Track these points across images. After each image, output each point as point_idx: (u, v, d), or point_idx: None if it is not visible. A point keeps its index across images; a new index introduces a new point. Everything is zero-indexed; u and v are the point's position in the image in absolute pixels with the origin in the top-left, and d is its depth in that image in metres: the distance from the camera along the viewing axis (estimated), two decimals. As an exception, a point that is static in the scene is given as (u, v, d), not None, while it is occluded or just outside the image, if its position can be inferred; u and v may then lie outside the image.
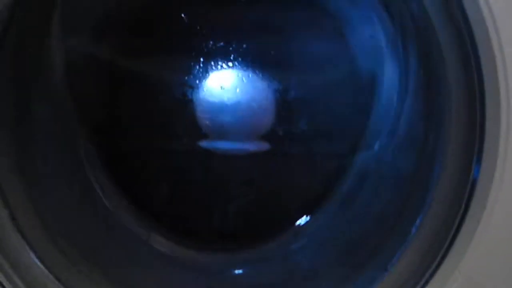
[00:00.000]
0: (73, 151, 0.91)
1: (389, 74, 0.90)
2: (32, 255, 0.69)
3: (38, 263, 0.69)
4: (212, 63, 0.93)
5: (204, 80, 0.94)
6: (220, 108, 0.94)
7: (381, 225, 0.81)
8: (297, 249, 0.92)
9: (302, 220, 0.96)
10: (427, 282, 0.66)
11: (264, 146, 0.95)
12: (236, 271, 0.92)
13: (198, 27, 0.93)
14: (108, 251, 0.85)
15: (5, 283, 0.67)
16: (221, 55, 0.93)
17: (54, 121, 0.87)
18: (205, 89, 0.94)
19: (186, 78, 0.94)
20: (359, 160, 0.94)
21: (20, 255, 0.69)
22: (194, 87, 0.94)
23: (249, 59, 0.93)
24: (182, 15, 0.92)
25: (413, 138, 0.82)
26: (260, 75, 0.94)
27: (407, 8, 0.74)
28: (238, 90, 0.94)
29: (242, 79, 0.94)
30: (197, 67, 0.93)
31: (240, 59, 0.93)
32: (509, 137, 0.59)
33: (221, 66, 0.93)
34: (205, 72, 0.93)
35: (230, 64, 0.93)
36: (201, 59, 0.93)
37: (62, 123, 0.89)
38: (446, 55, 0.64)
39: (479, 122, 0.62)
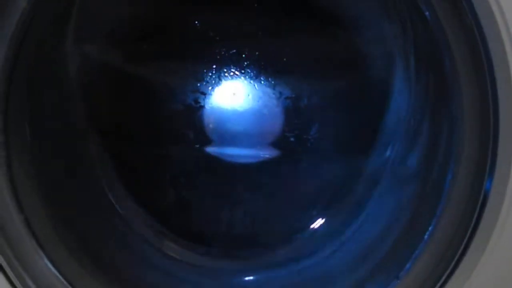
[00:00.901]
0: (85, 157, 0.91)
1: (401, 82, 0.90)
2: (46, 260, 0.70)
3: (51, 267, 0.70)
4: (225, 70, 0.93)
5: (216, 87, 0.94)
6: (232, 114, 0.94)
7: (393, 232, 0.81)
8: (309, 255, 0.92)
9: (315, 225, 0.96)
10: (438, 291, 0.66)
11: (275, 152, 0.96)
12: (247, 277, 0.93)
13: (211, 34, 0.93)
14: (120, 255, 0.86)
15: (19, 287, 0.68)
16: (234, 62, 0.93)
17: (67, 128, 0.88)
18: (217, 96, 0.94)
19: (198, 84, 0.94)
20: (370, 166, 0.94)
21: (33, 259, 0.70)
22: (206, 94, 0.94)
23: (261, 66, 0.93)
24: (196, 22, 0.93)
25: (425, 146, 0.82)
26: (272, 82, 0.94)
27: (419, 18, 0.74)
28: (250, 96, 0.94)
29: (254, 86, 0.94)
30: (210, 74, 0.94)
31: (252, 66, 0.93)
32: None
33: (233, 73, 0.94)
34: (217, 78, 0.94)
35: (242, 71, 0.94)
36: (214, 66, 0.94)
37: (75, 129, 0.90)
38: (459, 66, 0.64)
39: (493, 133, 0.62)
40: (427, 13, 0.70)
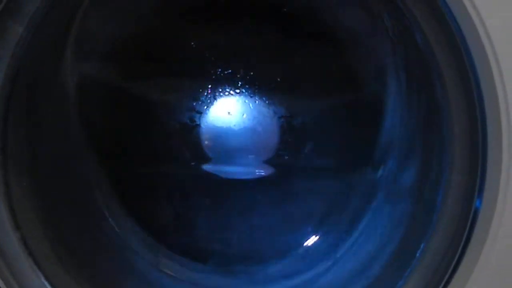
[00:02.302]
0: (82, 175, 0.92)
1: (393, 101, 0.91)
2: (43, 279, 0.71)
3: (48, 286, 0.71)
4: (220, 89, 0.95)
5: (211, 106, 0.95)
6: (227, 133, 0.95)
7: (386, 249, 0.81)
8: (303, 272, 0.93)
9: (309, 243, 0.97)
10: (431, 308, 0.67)
11: (270, 170, 0.97)
12: (243, 294, 0.93)
13: (207, 54, 0.94)
14: (117, 273, 0.86)
15: (15, 304, 0.68)
16: (229, 82, 0.94)
17: (65, 146, 0.89)
18: (212, 115, 0.95)
19: (194, 103, 0.95)
20: (364, 184, 0.95)
21: (30, 278, 0.70)
22: (201, 112, 0.95)
23: (256, 86, 0.95)
24: (192, 42, 0.94)
25: (417, 163, 0.83)
26: (267, 101, 0.95)
27: (411, 38, 0.76)
28: (244, 116, 0.96)
29: (249, 105, 0.95)
30: (205, 93, 0.95)
31: (247, 85, 0.95)
32: (511, 167, 0.60)
33: (229, 92, 0.95)
34: (213, 98, 0.95)
35: (237, 90, 0.95)
36: (209, 86, 0.95)
37: (71, 147, 0.91)
38: (449, 88, 0.65)
39: (482, 152, 0.63)
40: (417, 34, 0.71)
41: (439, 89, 0.68)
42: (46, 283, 0.70)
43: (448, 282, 0.66)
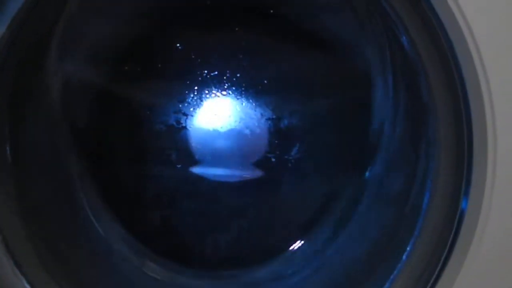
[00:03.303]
0: (67, 177, 0.91)
1: (380, 103, 0.92)
2: (25, 282, 0.70)
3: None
4: (206, 91, 0.94)
5: (198, 108, 0.95)
6: (214, 135, 0.95)
7: (373, 252, 0.81)
8: (290, 275, 0.92)
9: (296, 246, 0.96)
10: (417, 310, 0.66)
11: (257, 173, 0.96)
12: (230, 298, 0.93)
13: (193, 56, 0.94)
14: (102, 277, 0.85)
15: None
16: (215, 84, 0.94)
17: (49, 148, 0.88)
18: (199, 117, 0.95)
19: (180, 105, 0.95)
20: (350, 186, 0.95)
21: (12, 282, 0.69)
22: (188, 115, 0.95)
23: (242, 88, 0.95)
24: (178, 44, 0.94)
25: (404, 166, 0.83)
26: (254, 103, 0.95)
27: (397, 41, 0.76)
28: (231, 118, 0.95)
29: (236, 107, 0.95)
30: (192, 95, 0.95)
31: (234, 87, 0.94)
32: (496, 169, 0.61)
33: (215, 94, 0.95)
34: (199, 100, 0.95)
35: (224, 92, 0.95)
36: (196, 87, 0.94)
37: (56, 150, 0.90)
38: (435, 91, 0.65)
39: (467, 154, 0.63)
40: (403, 37, 0.71)
41: (425, 92, 0.69)
42: (28, 287, 0.69)
43: (434, 284, 0.66)
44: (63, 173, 0.91)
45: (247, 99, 0.95)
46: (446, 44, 0.62)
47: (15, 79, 0.73)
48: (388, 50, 0.86)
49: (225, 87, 0.94)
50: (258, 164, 0.96)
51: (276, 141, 0.96)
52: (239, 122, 0.95)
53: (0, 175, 0.71)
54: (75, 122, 0.92)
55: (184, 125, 0.95)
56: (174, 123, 0.95)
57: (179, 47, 0.94)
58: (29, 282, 0.69)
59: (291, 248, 0.96)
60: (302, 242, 0.96)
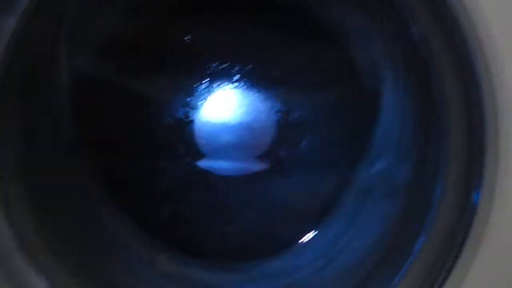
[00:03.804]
0: (76, 171, 0.91)
1: (390, 95, 0.91)
2: (36, 273, 0.70)
3: (44, 283, 0.70)
4: (215, 84, 0.94)
5: (206, 101, 0.95)
6: (222, 128, 0.95)
7: (383, 245, 0.81)
8: (300, 268, 0.93)
9: (305, 238, 0.96)
10: (428, 304, 0.66)
11: (266, 165, 0.96)
12: (240, 290, 0.93)
13: (202, 48, 0.94)
14: (114, 271, 0.85)
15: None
16: (224, 76, 0.94)
17: (58, 142, 0.88)
18: (207, 110, 0.95)
19: (188, 99, 0.95)
20: (360, 178, 0.95)
21: (25, 276, 0.69)
22: (197, 108, 0.95)
23: (252, 80, 0.94)
24: (187, 36, 0.94)
25: (414, 158, 0.83)
26: (263, 96, 0.95)
27: (407, 31, 0.75)
28: (240, 111, 0.95)
29: (245, 100, 0.95)
30: (200, 88, 0.94)
31: (243, 80, 0.94)
32: (509, 161, 0.60)
33: (224, 87, 0.94)
34: (208, 93, 0.94)
35: (233, 85, 0.94)
36: (204, 80, 0.94)
37: (66, 143, 0.90)
38: (447, 81, 0.65)
39: (479, 146, 0.63)
40: (414, 28, 0.71)
41: (436, 84, 0.68)
42: (40, 279, 0.70)
43: (446, 277, 0.66)
44: (73, 167, 0.91)
45: (256, 92, 0.94)
46: (459, 35, 0.61)
47: (25, 73, 0.73)
48: (398, 42, 0.85)
49: (234, 80, 0.94)
50: (267, 157, 0.96)
51: (286, 134, 0.96)
52: (248, 115, 0.95)
53: (11, 170, 0.71)
54: (84, 116, 0.92)
55: (192, 118, 0.95)
56: (183, 116, 0.95)
57: (188, 40, 0.94)
58: (43, 276, 0.70)
59: (302, 240, 0.96)
60: (314, 233, 0.96)
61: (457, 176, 0.66)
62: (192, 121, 0.95)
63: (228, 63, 0.93)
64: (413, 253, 0.69)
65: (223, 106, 0.95)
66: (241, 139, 0.95)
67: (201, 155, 0.95)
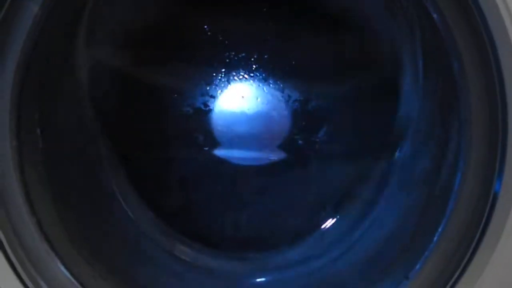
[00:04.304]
0: (96, 161, 0.92)
1: (409, 84, 0.90)
2: (58, 263, 0.71)
3: (65, 271, 0.71)
4: (234, 73, 0.94)
5: (225, 90, 0.95)
6: (241, 117, 0.95)
7: (403, 233, 0.81)
8: (318, 257, 0.93)
9: (324, 227, 0.96)
10: (449, 291, 0.66)
11: (285, 155, 0.96)
12: (258, 279, 0.93)
13: (220, 38, 0.94)
14: (132, 260, 0.86)
15: (32, 290, 0.69)
16: (242, 66, 0.94)
17: (78, 132, 0.89)
18: (226, 99, 0.95)
19: (207, 88, 0.95)
20: (379, 168, 0.95)
21: (46, 262, 0.70)
22: (215, 97, 0.95)
23: (270, 69, 0.94)
24: (205, 26, 0.94)
25: (434, 147, 0.82)
26: (281, 85, 0.95)
27: (427, 20, 0.75)
28: (258, 99, 0.95)
29: (263, 89, 0.95)
30: (219, 77, 0.94)
31: (261, 69, 0.94)
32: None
33: (242, 76, 0.94)
34: (227, 82, 0.95)
35: (251, 74, 0.94)
36: (223, 70, 0.94)
37: (86, 134, 0.91)
38: (468, 69, 0.64)
39: (501, 135, 0.62)
40: (435, 15, 0.70)
41: (457, 72, 0.67)
42: (62, 267, 0.71)
43: (466, 266, 0.66)
44: (92, 157, 0.92)
45: (275, 81, 0.94)
46: (481, 22, 0.60)
47: (45, 62, 0.74)
48: (418, 30, 0.84)
49: (253, 69, 0.94)
50: (286, 146, 0.96)
51: (304, 123, 0.95)
52: (267, 104, 0.95)
53: (32, 159, 0.71)
54: (103, 106, 0.92)
55: (211, 107, 0.95)
56: (202, 105, 0.95)
57: (207, 30, 0.94)
58: (63, 264, 0.71)
59: (320, 229, 0.96)
60: (330, 223, 0.96)
61: (478, 165, 0.65)
62: (211, 110, 0.95)
63: (247, 52, 0.93)
64: (432, 243, 0.69)
65: (242, 95, 0.95)
66: (259, 129, 0.95)
67: (220, 144, 0.95)
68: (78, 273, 0.72)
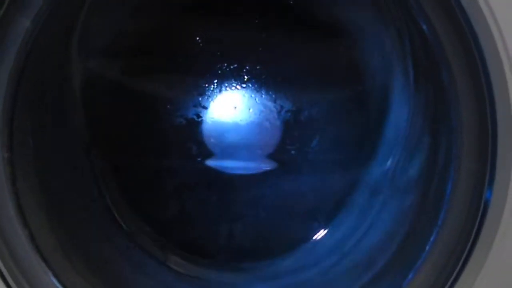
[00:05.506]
0: (88, 171, 0.92)
1: (400, 93, 0.91)
2: (51, 276, 0.70)
3: (57, 283, 0.71)
4: (226, 84, 0.95)
5: (217, 101, 0.95)
6: (233, 128, 0.95)
7: (395, 242, 0.81)
8: (312, 266, 0.93)
9: (317, 236, 0.96)
10: (441, 301, 0.66)
11: (277, 165, 0.96)
12: (253, 289, 0.93)
13: (212, 49, 0.94)
14: (124, 270, 0.86)
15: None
16: (234, 76, 0.94)
17: (70, 143, 0.89)
18: (218, 110, 0.95)
19: (199, 98, 0.95)
20: (371, 177, 0.95)
21: (39, 274, 0.70)
22: (207, 108, 0.95)
23: (261, 80, 0.95)
24: (197, 37, 0.94)
25: (425, 155, 0.82)
26: (273, 95, 0.95)
27: (417, 31, 0.75)
28: (250, 110, 0.95)
29: (255, 99, 0.95)
30: (211, 88, 0.95)
31: (253, 80, 0.94)
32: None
33: (234, 87, 0.95)
34: (219, 92, 0.95)
35: (243, 85, 0.95)
36: (215, 80, 0.95)
37: (78, 144, 0.91)
38: (457, 78, 0.64)
39: (491, 143, 0.63)
40: (424, 26, 0.71)
41: (447, 80, 0.68)
42: (54, 280, 0.70)
43: (458, 275, 0.66)
44: (85, 167, 0.92)
45: (267, 91, 0.95)
46: (469, 31, 0.61)
47: (39, 73, 0.74)
48: (408, 38, 0.85)
49: (245, 79, 0.94)
50: (278, 156, 0.96)
51: (296, 133, 0.96)
52: (259, 114, 0.95)
53: (24, 169, 0.71)
54: (96, 116, 0.92)
55: (203, 118, 0.95)
56: (194, 116, 0.95)
57: (198, 40, 0.95)
58: (55, 275, 0.70)
59: (313, 238, 0.96)
60: (324, 233, 0.96)
61: (469, 172, 0.65)
62: (203, 121, 0.95)
63: (239, 63, 0.94)
64: (425, 251, 0.69)
65: (234, 106, 0.95)
66: (251, 139, 0.96)
67: (213, 155, 0.96)
68: (71, 285, 0.71)
